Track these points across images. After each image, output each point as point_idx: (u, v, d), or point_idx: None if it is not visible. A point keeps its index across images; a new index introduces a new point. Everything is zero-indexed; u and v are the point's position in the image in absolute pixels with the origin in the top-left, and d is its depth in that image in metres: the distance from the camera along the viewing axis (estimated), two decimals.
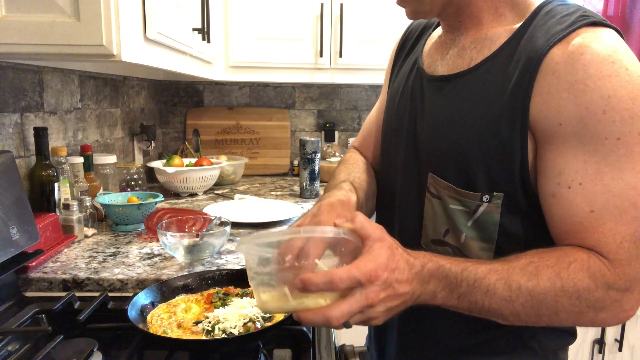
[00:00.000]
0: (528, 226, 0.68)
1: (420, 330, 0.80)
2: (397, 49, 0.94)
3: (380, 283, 0.55)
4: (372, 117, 1.00)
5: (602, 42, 0.59)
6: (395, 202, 0.83)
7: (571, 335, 0.78)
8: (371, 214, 0.92)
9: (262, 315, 0.76)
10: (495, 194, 0.67)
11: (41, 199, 1.21)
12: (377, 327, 0.94)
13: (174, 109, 2.45)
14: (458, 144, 0.69)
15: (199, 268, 1.07)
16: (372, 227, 0.60)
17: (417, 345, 0.81)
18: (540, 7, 0.68)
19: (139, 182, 1.71)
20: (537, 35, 0.64)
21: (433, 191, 0.74)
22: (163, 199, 1.48)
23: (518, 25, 0.68)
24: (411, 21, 0.94)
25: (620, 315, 0.61)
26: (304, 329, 0.78)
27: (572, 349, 0.80)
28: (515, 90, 0.63)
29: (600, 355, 1.89)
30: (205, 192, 1.96)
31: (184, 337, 0.73)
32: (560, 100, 0.60)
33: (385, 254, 0.57)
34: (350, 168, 0.92)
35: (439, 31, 0.84)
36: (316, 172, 1.89)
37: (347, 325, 0.56)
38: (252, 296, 0.82)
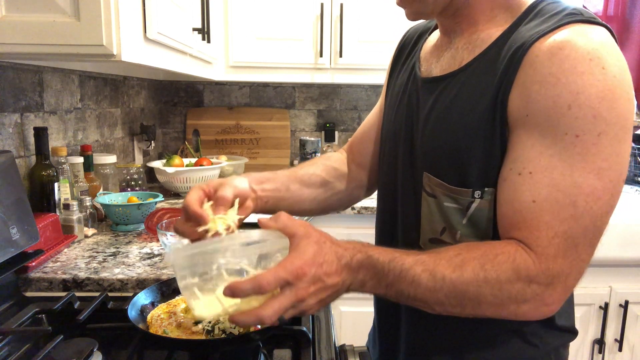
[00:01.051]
0: None
1: (422, 327, 0.80)
2: (393, 58, 0.95)
3: (309, 279, 0.57)
4: (368, 119, 1.01)
5: (585, 38, 0.59)
6: (397, 204, 0.84)
7: (572, 333, 0.79)
8: (328, 207, 0.96)
9: None
10: (486, 189, 0.67)
11: (41, 199, 1.21)
12: (377, 326, 0.94)
13: (174, 109, 2.45)
14: (448, 142, 0.70)
15: None
16: (296, 225, 0.61)
17: (420, 342, 0.82)
18: (531, 7, 0.68)
19: (139, 182, 1.71)
20: (524, 32, 0.65)
21: (428, 190, 0.75)
22: (163, 199, 1.48)
23: (509, 24, 0.68)
24: (408, 27, 0.95)
25: (541, 309, 0.62)
26: (304, 328, 0.78)
27: (572, 348, 0.80)
28: (499, 85, 0.64)
29: (600, 355, 1.89)
30: None
31: (184, 337, 0.72)
32: (532, 92, 0.60)
33: (311, 250, 0.59)
34: (305, 163, 0.96)
35: (434, 35, 0.85)
36: None
37: (281, 320, 0.58)
38: None
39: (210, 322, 0.74)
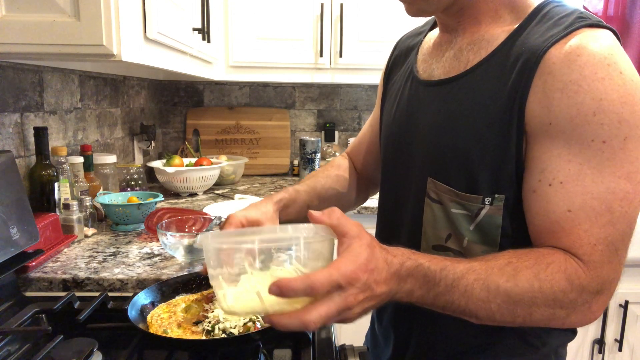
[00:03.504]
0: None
1: (422, 329, 0.80)
2: (387, 69, 0.94)
3: (360, 285, 0.53)
4: (365, 127, 1.03)
5: (599, 44, 0.59)
6: (398, 210, 0.83)
7: (572, 333, 0.79)
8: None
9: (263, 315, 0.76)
10: (497, 196, 0.67)
11: (41, 198, 1.21)
12: (378, 325, 0.94)
13: (174, 109, 2.45)
14: (458, 147, 0.69)
15: (199, 268, 1.07)
16: (349, 224, 0.57)
17: (425, 347, 0.81)
18: (538, 9, 0.68)
19: (139, 182, 1.71)
20: (534, 36, 0.64)
21: (433, 196, 0.73)
22: (163, 198, 1.48)
23: (515, 26, 0.68)
24: (408, 27, 0.96)
25: (588, 317, 0.61)
26: None
27: (572, 348, 0.81)
28: (513, 91, 0.63)
29: (600, 355, 1.89)
30: (205, 192, 1.96)
31: (184, 337, 0.72)
32: (553, 100, 0.60)
33: (364, 254, 0.55)
34: (318, 172, 0.98)
35: (431, 35, 0.84)
36: None
37: (323, 327, 0.55)
38: None
39: (210, 322, 0.74)
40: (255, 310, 0.56)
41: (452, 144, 0.70)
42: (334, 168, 0.99)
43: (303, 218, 0.77)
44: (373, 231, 0.93)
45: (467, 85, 0.70)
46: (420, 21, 0.92)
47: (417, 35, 0.89)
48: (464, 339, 0.76)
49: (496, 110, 0.65)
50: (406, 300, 0.60)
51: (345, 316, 0.55)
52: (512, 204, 0.67)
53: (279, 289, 0.50)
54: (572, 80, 0.59)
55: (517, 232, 0.68)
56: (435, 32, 0.82)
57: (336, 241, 0.58)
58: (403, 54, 0.90)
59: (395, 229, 0.84)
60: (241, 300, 0.55)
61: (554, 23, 0.64)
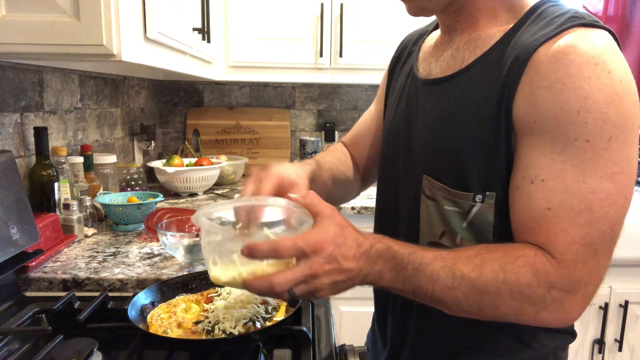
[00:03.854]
0: None
1: (419, 329, 0.80)
2: (393, 61, 0.94)
3: (325, 255, 0.57)
4: (362, 121, 1.02)
5: (589, 43, 0.59)
6: (396, 206, 0.83)
7: (571, 335, 0.78)
8: (338, 201, 0.97)
9: (262, 315, 0.76)
10: (487, 193, 0.67)
11: (41, 198, 1.21)
12: (377, 324, 0.94)
13: (174, 109, 2.45)
14: (450, 145, 0.70)
15: (199, 268, 1.07)
16: (323, 205, 0.62)
17: (421, 345, 0.81)
18: (533, 9, 0.68)
19: (139, 182, 1.71)
20: (526, 35, 0.64)
21: (428, 193, 0.74)
22: (163, 198, 1.48)
23: (511, 25, 0.68)
24: (408, 27, 0.96)
25: (561, 316, 0.61)
26: (304, 328, 0.78)
27: (572, 349, 0.80)
28: (502, 89, 0.64)
29: (600, 355, 1.89)
30: (205, 192, 1.96)
31: (184, 337, 0.73)
32: (539, 98, 0.60)
33: (333, 229, 0.59)
34: (326, 154, 0.96)
35: (433, 35, 0.85)
36: None
37: (291, 294, 0.58)
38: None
39: (210, 322, 0.74)
40: (233, 275, 0.62)
41: (445, 142, 0.71)
42: (341, 153, 0.99)
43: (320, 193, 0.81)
44: (372, 230, 0.93)
45: (462, 84, 0.70)
46: (420, 21, 0.93)
47: (421, 35, 0.89)
48: (459, 337, 0.76)
49: (487, 108, 0.65)
50: (379, 284, 0.63)
51: (313, 285, 0.58)
52: (504, 201, 0.67)
53: (249, 250, 0.57)
54: (558, 78, 0.58)
55: (509, 230, 0.68)
56: (438, 32, 0.83)
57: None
58: (407, 52, 0.91)
59: (393, 225, 0.84)
60: (223, 267, 0.63)
61: (547, 22, 0.64)
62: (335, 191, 0.91)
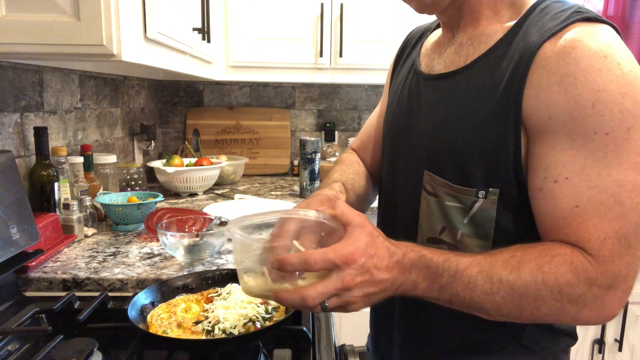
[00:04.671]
0: (524, 223, 0.68)
1: (418, 328, 0.80)
2: (396, 57, 0.95)
3: (357, 267, 0.56)
4: (371, 121, 1.01)
5: (595, 36, 0.59)
6: (396, 202, 0.83)
7: (571, 338, 0.78)
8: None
9: (262, 315, 0.76)
10: (490, 189, 0.67)
11: (41, 198, 1.21)
12: (376, 324, 0.94)
13: (174, 109, 2.45)
14: (453, 141, 0.69)
15: (199, 268, 1.07)
16: (353, 214, 0.60)
17: (415, 344, 0.81)
18: (535, 4, 0.68)
19: (139, 182, 1.71)
20: (531, 31, 0.64)
21: (429, 189, 0.74)
22: (163, 198, 1.48)
23: (514, 22, 0.68)
24: (408, 27, 0.96)
25: (603, 314, 0.60)
26: (304, 328, 0.78)
27: (572, 348, 0.80)
28: (509, 85, 0.63)
29: (600, 355, 1.89)
30: (205, 192, 1.96)
31: (184, 337, 0.73)
32: (551, 94, 0.59)
33: (364, 239, 0.57)
34: (345, 169, 0.94)
35: (436, 32, 0.85)
36: (316, 172, 1.89)
37: (324, 308, 0.57)
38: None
39: (210, 322, 0.74)
40: (264, 290, 0.61)
41: (448, 137, 0.70)
42: (357, 165, 0.98)
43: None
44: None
45: (465, 80, 0.70)
46: (421, 20, 0.93)
47: (425, 31, 0.89)
48: (454, 336, 0.76)
49: (491, 104, 0.65)
50: (413, 294, 0.61)
51: (345, 299, 0.57)
52: (507, 198, 0.66)
53: (279, 263, 0.56)
54: (568, 73, 0.58)
55: (511, 227, 0.68)
56: (440, 30, 0.83)
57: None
58: (410, 48, 0.91)
59: (392, 221, 0.84)
60: (255, 280, 0.62)
61: (551, 18, 0.64)
62: (359, 208, 0.91)
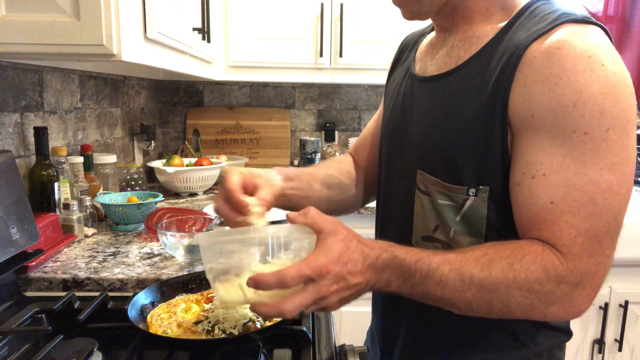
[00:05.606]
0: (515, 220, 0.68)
1: (416, 326, 0.81)
2: (392, 63, 0.96)
3: (332, 277, 0.57)
4: (369, 125, 1.04)
5: (582, 37, 0.59)
6: (392, 202, 0.84)
7: (566, 334, 0.78)
8: (340, 206, 0.96)
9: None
10: (481, 187, 0.68)
11: (41, 198, 1.21)
12: (375, 324, 0.94)
13: (174, 109, 2.45)
14: (444, 140, 0.70)
15: (199, 268, 1.07)
16: (324, 221, 0.61)
17: (417, 340, 0.82)
18: (526, 7, 0.69)
19: (139, 182, 1.71)
20: (520, 32, 0.65)
21: (422, 188, 0.75)
22: (163, 198, 1.48)
23: (504, 23, 0.69)
24: (408, 27, 0.96)
25: (570, 310, 0.61)
26: (304, 328, 0.78)
27: (572, 348, 0.80)
28: (496, 85, 0.64)
29: (600, 355, 1.89)
30: (205, 192, 1.96)
31: (184, 337, 0.73)
32: (534, 93, 0.60)
33: (337, 248, 0.59)
34: (327, 163, 0.97)
35: (430, 35, 0.86)
36: None
37: (301, 314, 0.58)
38: None
39: (210, 322, 0.74)
40: (240, 302, 0.63)
41: (439, 137, 0.71)
42: (334, 161, 1.00)
43: (303, 195, 0.85)
44: (373, 229, 0.93)
45: (456, 81, 0.71)
46: (419, 22, 0.93)
47: (420, 36, 0.91)
48: (451, 332, 0.77)
49: (480, 104, 0.66)
50: (385, 290, 0.63)
51: (322, 305, 0.59)
52: (498, 196, 0.67)
53: (255, 283, 0.57)
54: (553, 72, 0.59)
55: (502, 224, 0.68)
56: (434, 33, 0.84)
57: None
58: (406, 52, 0.92)
59: (389, 220, 0.85)
60: (229, 292, 0.62)
61: (539, 19, 0.65)
62: (331, 195, 0.91)
